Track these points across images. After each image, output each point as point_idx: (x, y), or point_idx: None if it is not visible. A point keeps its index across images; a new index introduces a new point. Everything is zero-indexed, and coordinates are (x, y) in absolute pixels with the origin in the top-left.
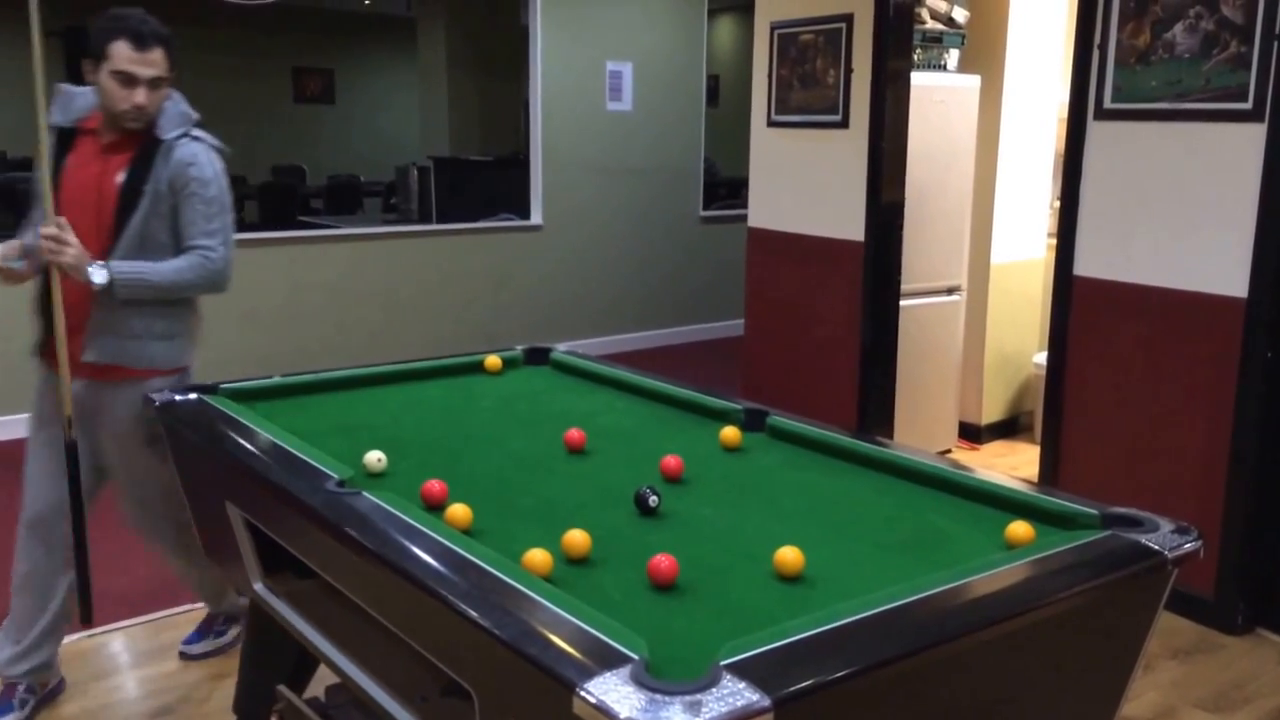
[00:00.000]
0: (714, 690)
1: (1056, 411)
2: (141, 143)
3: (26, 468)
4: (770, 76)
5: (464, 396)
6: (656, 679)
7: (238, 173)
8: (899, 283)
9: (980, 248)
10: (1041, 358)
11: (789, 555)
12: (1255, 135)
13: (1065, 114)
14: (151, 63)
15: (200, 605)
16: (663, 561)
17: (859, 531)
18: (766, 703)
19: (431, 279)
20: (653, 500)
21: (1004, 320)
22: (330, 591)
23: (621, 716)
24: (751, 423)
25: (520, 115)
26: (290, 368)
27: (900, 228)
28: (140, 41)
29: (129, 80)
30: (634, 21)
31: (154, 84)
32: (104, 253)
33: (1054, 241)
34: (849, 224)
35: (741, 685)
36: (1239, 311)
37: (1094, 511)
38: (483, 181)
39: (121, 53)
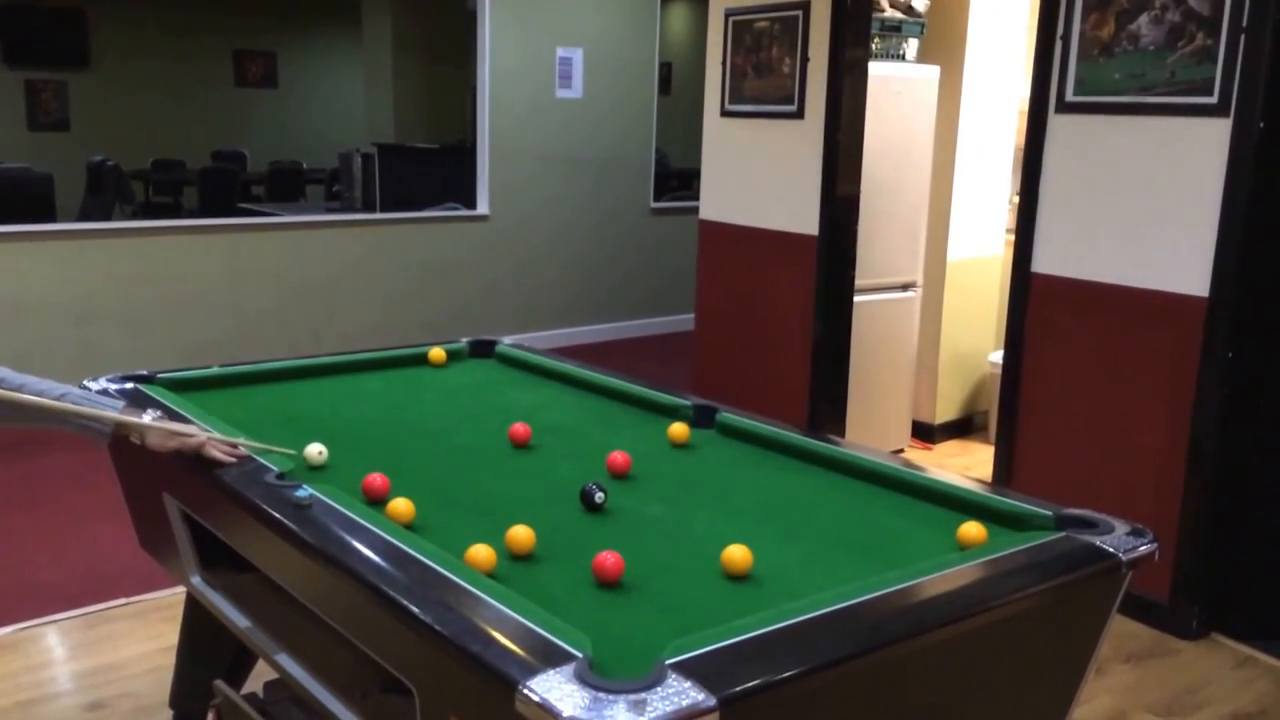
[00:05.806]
0: (659, 689)
1: (1011, 411)
2: None
3: None
4: (724, 65)
5: (407, 389)
6: (600, 677)
7: (177, 157)
8: (853, 278)
9: (937, 243)
10: (997, 356)
11: (737, 554)
12: (1220, 130)
13: (1026, 107)
14: None
15: (137, 599)
16: (608, 558)
17: (809, 531)
18: (712, 702)
19: (375, 269)
20: (599, 496)
21: (960, 318)
22: (269, 586)
23: (564, 715)
24: (700, 419)
25: (467, 102)
26: (229, 358)
27: (855, 222)
28: None
29: None
30: (585, 7)
31: None
32: None
33: (1012, 238)
34: (803, 217)
35: (687, 684)
36: (1200, 311)
37: (1048, 513)
38: (428, 169)
39: None
